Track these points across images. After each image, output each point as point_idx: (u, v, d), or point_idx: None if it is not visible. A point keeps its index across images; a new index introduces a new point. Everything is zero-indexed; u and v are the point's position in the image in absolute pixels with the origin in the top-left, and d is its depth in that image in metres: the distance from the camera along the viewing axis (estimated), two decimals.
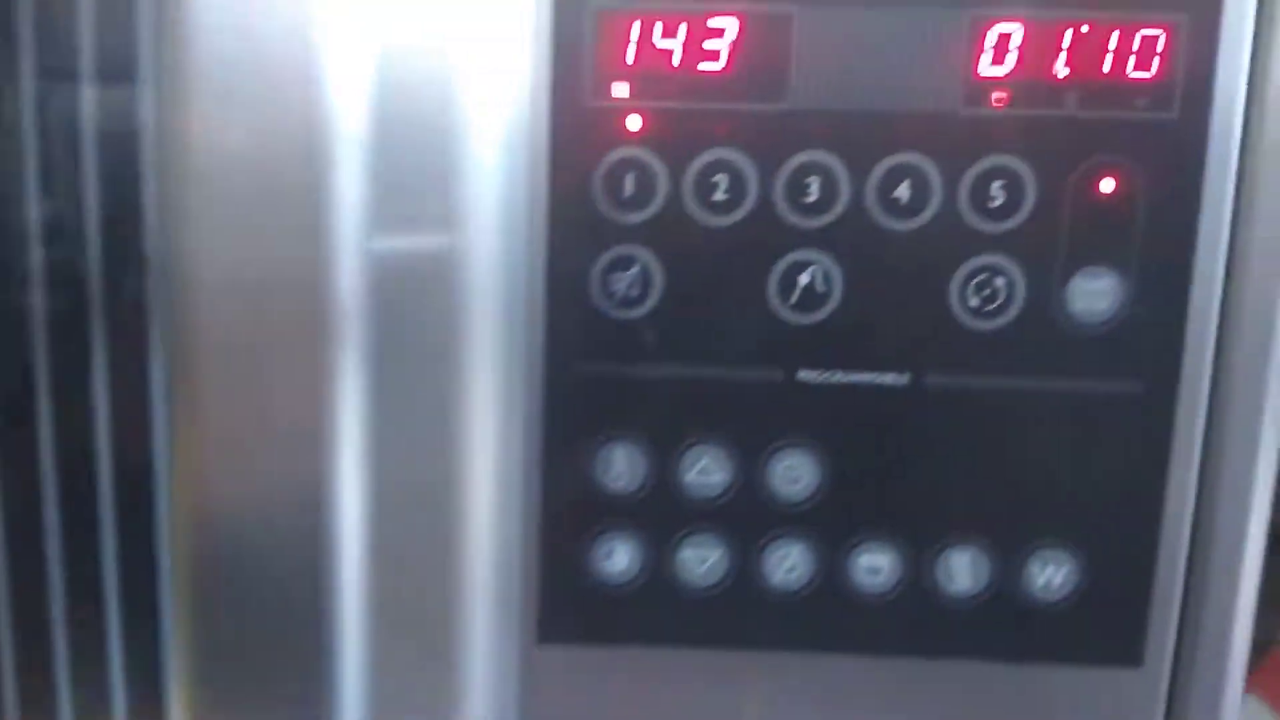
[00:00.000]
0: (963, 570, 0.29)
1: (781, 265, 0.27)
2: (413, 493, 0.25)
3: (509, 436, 0.26)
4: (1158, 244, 0.27)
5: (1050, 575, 0.29)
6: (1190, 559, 0.28)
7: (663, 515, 0.28)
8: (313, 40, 0.22)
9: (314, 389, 0.20)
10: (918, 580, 0.29)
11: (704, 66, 0.26)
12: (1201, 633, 0.29)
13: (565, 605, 0.29)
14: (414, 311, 0.23)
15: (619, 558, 0.29)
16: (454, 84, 0.24)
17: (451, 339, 0.24)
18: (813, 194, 0.27)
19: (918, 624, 0.29)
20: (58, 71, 0.30)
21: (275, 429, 0.22)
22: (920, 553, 0.29)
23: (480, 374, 0.25)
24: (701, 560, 0.29)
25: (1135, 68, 0.26)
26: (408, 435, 0.24)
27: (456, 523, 0.26)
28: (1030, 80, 0.26)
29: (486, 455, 0.25)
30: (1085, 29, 0.26)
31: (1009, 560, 0.29)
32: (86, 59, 0.30)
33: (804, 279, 0.27)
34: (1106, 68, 0.26)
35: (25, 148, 0.29)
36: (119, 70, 0.31)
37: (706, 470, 0.28)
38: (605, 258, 0.27)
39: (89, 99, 0.30)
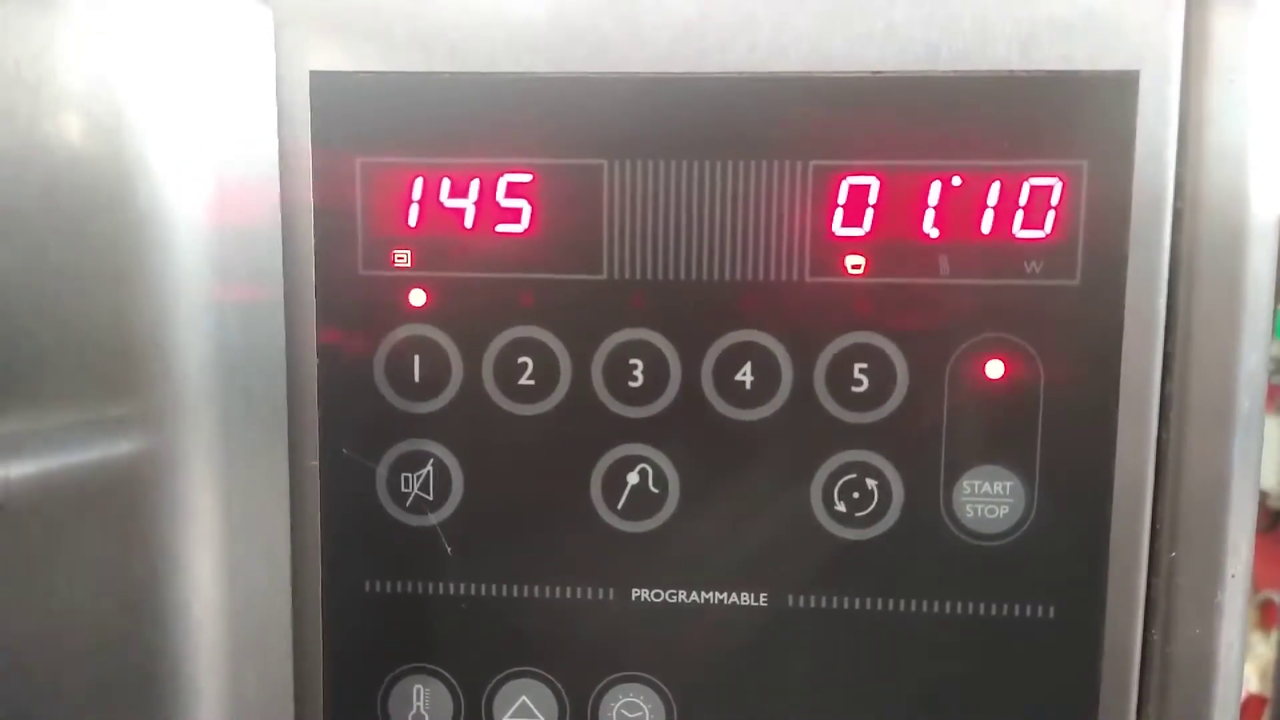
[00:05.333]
0: None
1: (605, 462, 0.22)
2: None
3: (247, 668, 0.21)
4: (1066, 440, 0.21)
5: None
6: None
7: None
8: None
9: None
10: None
11: (502, 229, 0.22)
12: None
13: None
14: (104, 527, 0.19)
15: None
16: (173, 249, 0.20)
17: (168, 543, 0.19)
18: (637, 379, 0.22)
19: None
20: None
21: None
22: None
23: (204, 600, 0.20)
24: None
25: (1024, 225, 0.21)
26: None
27: None
28: (894, 242, 0.21)
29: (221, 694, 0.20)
30: (957, 180, 0.21)
31: None
32: None
33: (633, 479, 0.22)
34: (986, 227, 0.21)
35: None
36: None
37: (526, 711, 0.23)
38: (391, 455, 0.23)
39: None
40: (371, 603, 0.23)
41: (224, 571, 0.20)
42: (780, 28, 0.21)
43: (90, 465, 0.18)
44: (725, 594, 0.23)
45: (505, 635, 0.23)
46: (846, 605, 0.22)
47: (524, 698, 0.23)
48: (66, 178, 0.17)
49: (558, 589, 0.23)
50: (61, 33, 0.18)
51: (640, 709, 0.23)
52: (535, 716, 0.23)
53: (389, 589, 0.23)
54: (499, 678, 0.23)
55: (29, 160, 0.16)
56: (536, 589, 0.23)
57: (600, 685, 0.23)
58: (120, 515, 0.19)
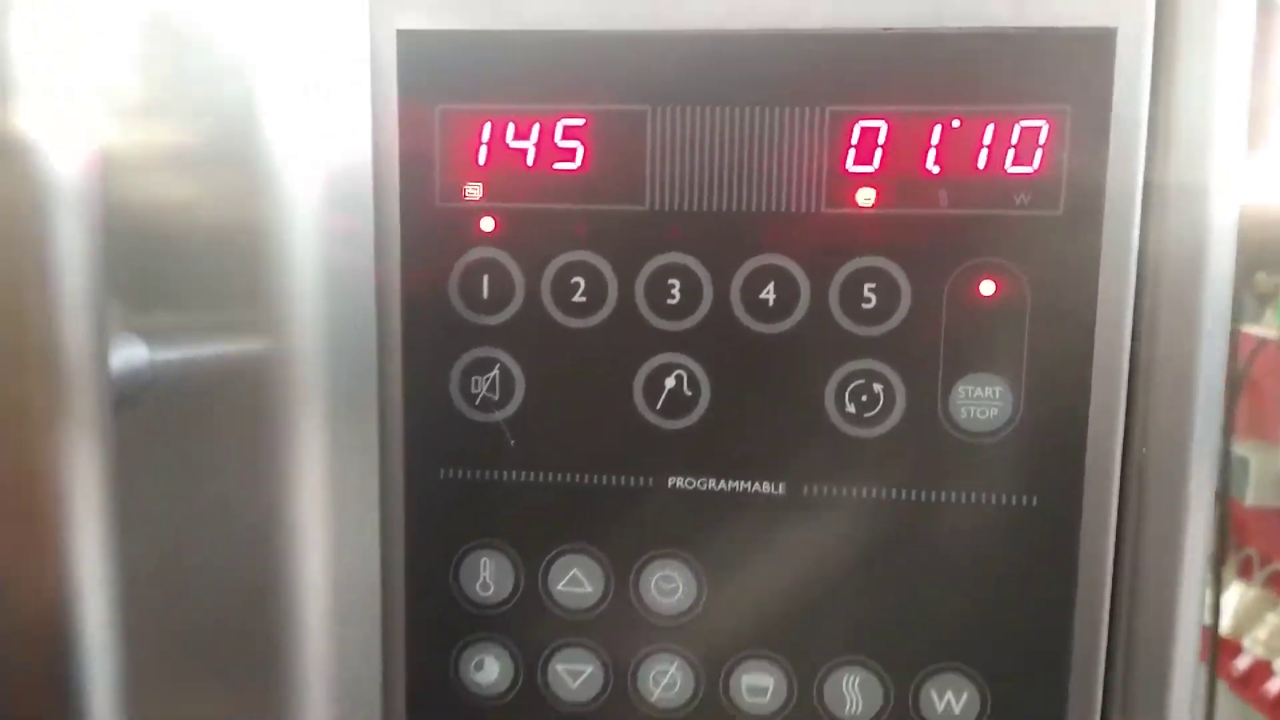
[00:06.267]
0: (853, 694, 0.27)
1: (646, 369, 0.26)
2: (231, 583, 0.24)
3: (350, 547, 0.25)
4: (1048, 350, 0.25)
5: (949, 701, 0.26)
6: (1109, 684, 0.26)
7: (533, 627, 0.27)
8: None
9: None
10: (804, 702, 0.27)
11: (560, 166, 0.25)
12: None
13: (433, 717, 0.28)
14: (233, 413, 0.23)
15: (489, 670, 0.28)
16: (273, 173, 0.23)
17: (279, 437, 0.23)
18: (675, 297, 0.25)
19: None
20: None
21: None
22: (807, 673, 0.27)
23: (309, 483, 0.24)
24: (575, 675, 0.27)
25: (1014, 162, 0.24)
26: (229, 528, 0.24)
27: (289, 620, 0.25)
28: (899, 177, 0.24)
29: (319, 571, 0.25)
30: (956, 123, 0.24)
31: (904, 684, 0.26)
32: None
33: (670, 383, 0.26)
34: (982, 163, 0.24)
35: None
36: None
37: (577, 581, 0.27)
38: (463, 360, 0.26)
39: None
40: (446, 488, 0.27)
41: (323, 455, 0.24)
42: None
43: (222, 357, 0.22)
44: (749, 483, 0.26)
45: (559, 516, 0.27)
46: (854, 495, 0.26)
47: (575, 570, 0.27)
48: (217, 120, 0.21)
49: (604, 477, 0.27)
50: None
51: (675, 581, 0.27)
52: (584, 586, 0.27)
53: (460, 476, 0.27)
54: (553, 553, 0.27)
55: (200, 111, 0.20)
56: (586, 477, 0.27)
57: (640, 561, 0.27)
58: (244, 403, 0.23)
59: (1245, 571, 1.23)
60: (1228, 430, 1.16)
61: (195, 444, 0.23)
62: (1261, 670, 1.17)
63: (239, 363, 0.22)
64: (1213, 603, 1.20)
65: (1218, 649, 1.15)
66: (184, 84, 0.22)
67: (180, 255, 0.22)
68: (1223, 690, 1.19)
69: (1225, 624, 1.21)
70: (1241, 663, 1.20)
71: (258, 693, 0.25)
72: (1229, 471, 1.12)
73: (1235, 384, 1.04)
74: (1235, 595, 1.23)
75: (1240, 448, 1.17)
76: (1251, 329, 1.11)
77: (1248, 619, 1.20)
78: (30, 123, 0.16)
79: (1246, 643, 1.20)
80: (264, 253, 0.22)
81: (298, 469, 0.24)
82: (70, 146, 0.17)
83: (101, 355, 0.17)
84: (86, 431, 0.18)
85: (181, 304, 0.22)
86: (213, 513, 0.24)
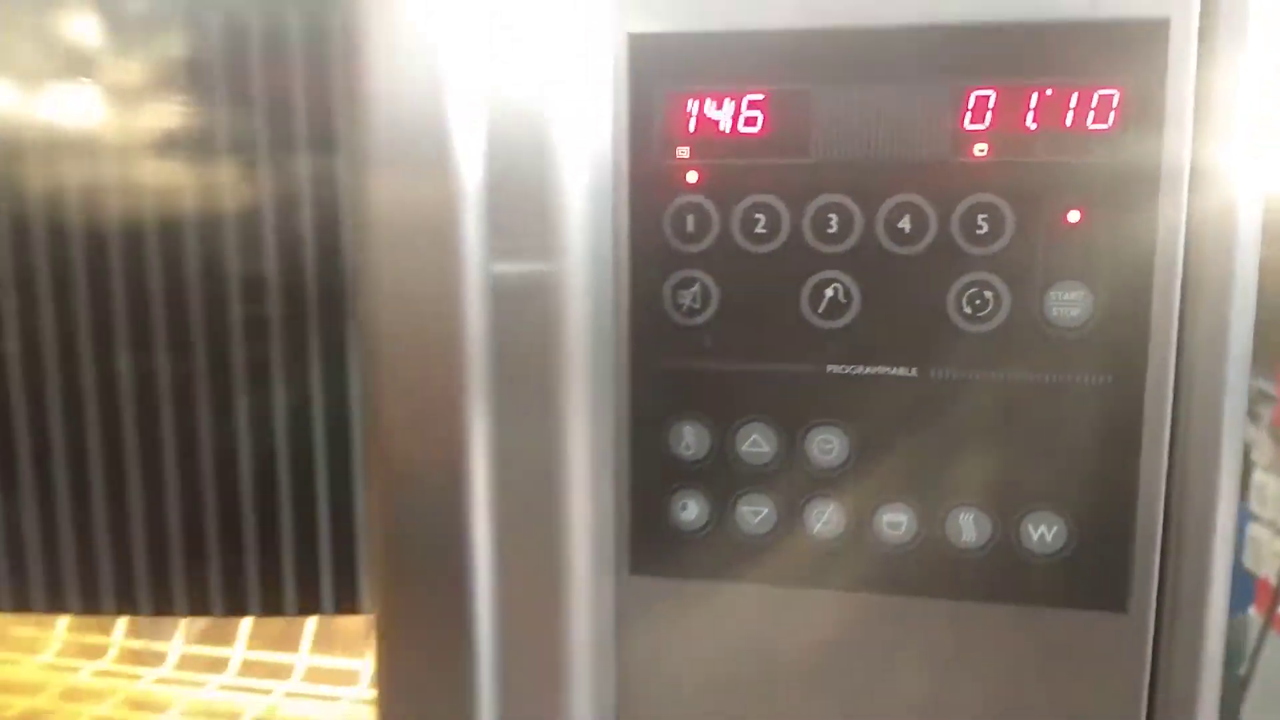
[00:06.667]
0: (968, 527, 0.35)
1: (810, 283, 0.35)
2: (528, 466, 0.34)
3: (600, 418, 0.35)
4: (1120, 263, 0.33)
5: (1043, 533, 0.35)
6: (1167, 519, 0.34)
7: (723, 478, 0.37)
8: (444, 107, 0.31)
9: (452, 385, 0.29)
10: (931, 534, 0.36)
11: (745, 131, 0.34)
12: (1181, 584, 0.34)
13: (651, 545, 0.37)
14: (522, 323, 0.32)
15: (691, 510, 0.37)
16: (553, 145, 0.33)
17: (552, 345, 0.33)
18: (833, 227, 0.34)
19: (932, 570, 0.36)
20: (285, 141, 0.41)
21: (429, 409, 0.32)
22: (933, 512, 0.35)
23: (576, 370, 0.33)
24: (755, 514, 0.37)
25: (1093, 122, 0.32)
26: (522, 420, 0.33)
27: (563, 486, 0.35)
28: (1005, 133, 0.33)
29: (583, 433, 0.34)
30: (1049, 91, 0.32)
31: (1007, 520, 0.35)
32: (300, 130, 0.41)
33: (829, 293, 0.35)
34: (1069, 122, 0.32)
35: (264, 202, 0.40)
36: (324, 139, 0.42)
37: (757, 443, 0.36)
38: (673, 279, 0.36)
39: (304, 164, 0.41)
40: (660, 374, 0.36)
41: (584, 351, 0.34)
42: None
43: (526, 273, 0.32)
44: (889, 368, 0.35)
45: (744, 395, 0.36)
46: (970, 377, 0.34)
47: (755, 435, 0.36)
48: (511, 112, 0.31)
49: (778, 365, 0.36)
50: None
51: (831, 443, 0.36)
52: (762, 447, 0.36)
53: (671, 365, 0.36)
54: (739, 422, 0.36)
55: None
56: (764, 365, 0.36)
57: (805, 428, 0.36)
58: (539, 317, 0.33)
59: None
60: None
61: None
62: None
63: (530, 280, 0.32)
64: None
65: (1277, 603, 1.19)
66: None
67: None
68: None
69: None
70: None
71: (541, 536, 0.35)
72: None
73: None
74: None
75: None
76: None
77: None
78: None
79: None
80: (550, 200, 0.32)
81: (569, 362, 0.33)
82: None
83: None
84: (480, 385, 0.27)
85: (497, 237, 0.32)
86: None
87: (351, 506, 0.35)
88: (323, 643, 0.75)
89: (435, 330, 0.28)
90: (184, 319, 0.38)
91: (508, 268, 0.31)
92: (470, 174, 0.31)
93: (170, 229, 0.39)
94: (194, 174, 0.39)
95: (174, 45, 0.39)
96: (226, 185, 0.39)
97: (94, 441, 0.39)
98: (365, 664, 0.73)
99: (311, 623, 0.76)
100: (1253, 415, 1.54)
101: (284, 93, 0.41)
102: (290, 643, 0.75)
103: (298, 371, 0.35)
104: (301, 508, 0.34)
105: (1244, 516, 1.60)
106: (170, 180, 0.39)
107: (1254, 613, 1.56)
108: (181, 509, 0.36)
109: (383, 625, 0.32)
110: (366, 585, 0.34)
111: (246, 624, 0.79)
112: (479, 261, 0.27)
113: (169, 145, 0.40)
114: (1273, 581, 1.35)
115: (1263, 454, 1.50)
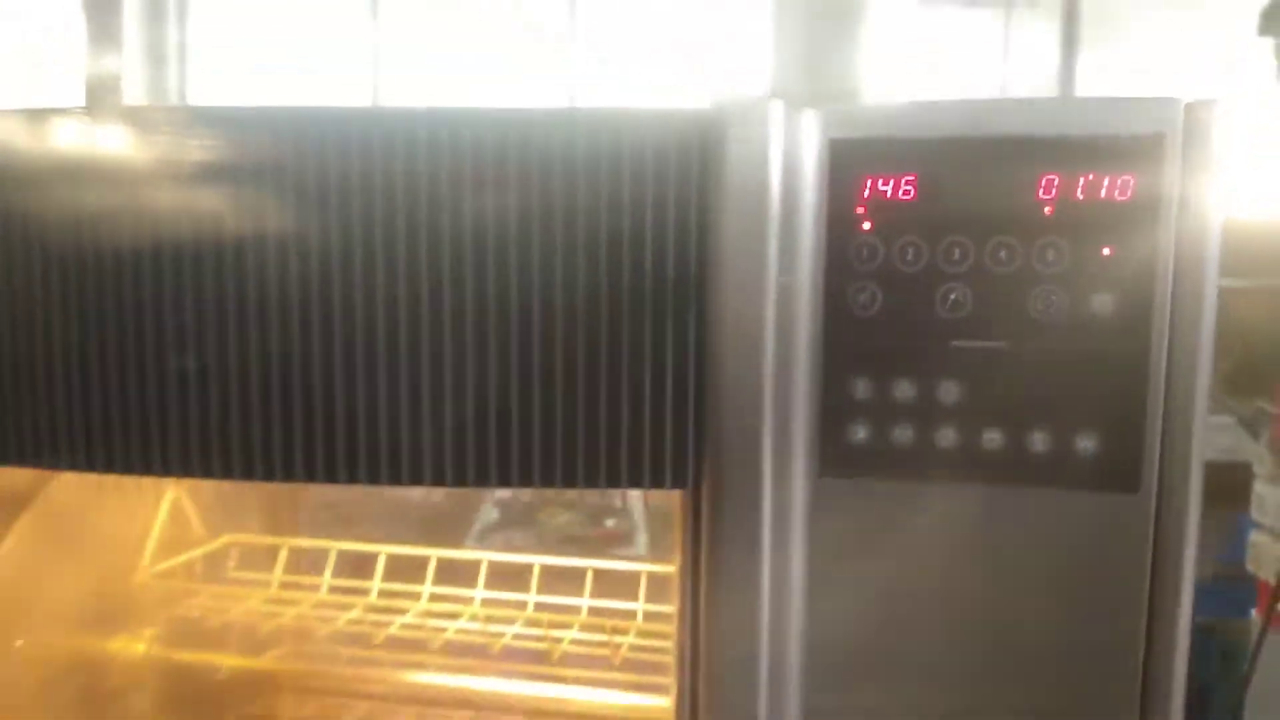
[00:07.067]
0: (1039, 441, 0.57)
1: (940, 290, 0.57)
2: (776, 403, 0.56)
3: (812, 374, 0.57)
4: (1135, 280, 0.54)
5: (1086, 444, 0.56)
6: (1164, 433, 0.55)
7: (882, 412, 0.58)
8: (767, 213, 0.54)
9: (757, 342, 0.52)
10: (1014, 446, 0.57)
11: (902, 197, 0.56)
12: (1173, 474, 0.55)
13: (834, 456, 0.59)
14: (782, 312, 0.55)
15: (860, 434, 0.59)
16: (795, 206, 0.55)
17: (790, 326, 0.55)
18: (956, 256, 0.56)
19: (1016, 469, 0.57)
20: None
21: (746, 351, 0.54)
22: (1016, 432, 0.57)
23: (801, 342, 0.55)
24: (902, 435, 0.58)
25: (1118, 195, 0.54)
26: (775, 370, 0.56)
27: (794, 417, 0.57)
28: (1064, 200, 0.54)
29: (802, 383, 0.56)
30: (1091, 176, 0.54)
31: (1063, 436, 0.56)
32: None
33: (952, 297, 0.57)
34: (1103, 193, 0.54)
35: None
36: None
37: (904, 390, 0.58)
38: (853, 287, 0.58)
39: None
40: (844, 347, 0.58)
41: None
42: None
43: (784, 282, 0.54)
44: (988, 342, 0.57)
45: (897, 361, 0.58)
46: (1039, 349, 0.56)
47: (904, 385, 0.58)
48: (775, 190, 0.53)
49: (919, 343, 0.57)
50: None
51: (952, 390, 0.57)
52: (908, 393, 0.58)
53: (851, 341, 0.58)
54: (893, 377, 0.58)
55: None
56: (912, 342, 0.57)
57: (935, 381, 0.58)
58: (786, 308, 0.55)
59: None
60: None
61: None
62: None
63: (783, 286, 0.54)
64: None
65: (1276, 600, 1.37)
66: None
67: None
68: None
69: None
70: None
71: None
72: None
73: None
74: None
75: None
76: None
77: None
78: None
79: None
80: (793, 241, 0.54)
81: (799, 337, 0.55)
82: None
83: None
84: (770, 345, 0.50)
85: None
86: None
87: (676, 405, 0.57)
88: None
89: (752, 311, 0.50)
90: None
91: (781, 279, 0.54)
92: (772, 227, 0.53)
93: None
94: None
95: None
96: None
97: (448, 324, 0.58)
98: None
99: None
100: (1254, 433, 1.73)
101: None
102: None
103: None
104: (635, 397, 0.56)
105: (1246, 524, 1.79)
106: None
107: (1255, 615, 1.75)
108: (519, 382, 0.56)
109: (694, 501, 0.54)
110: (681, 469, 0.56)
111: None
112: (774, 274, 0.49)
113: None
114: (1272, 584, 1.53)
115: (1264, 467, 1.69)
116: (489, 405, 0.57)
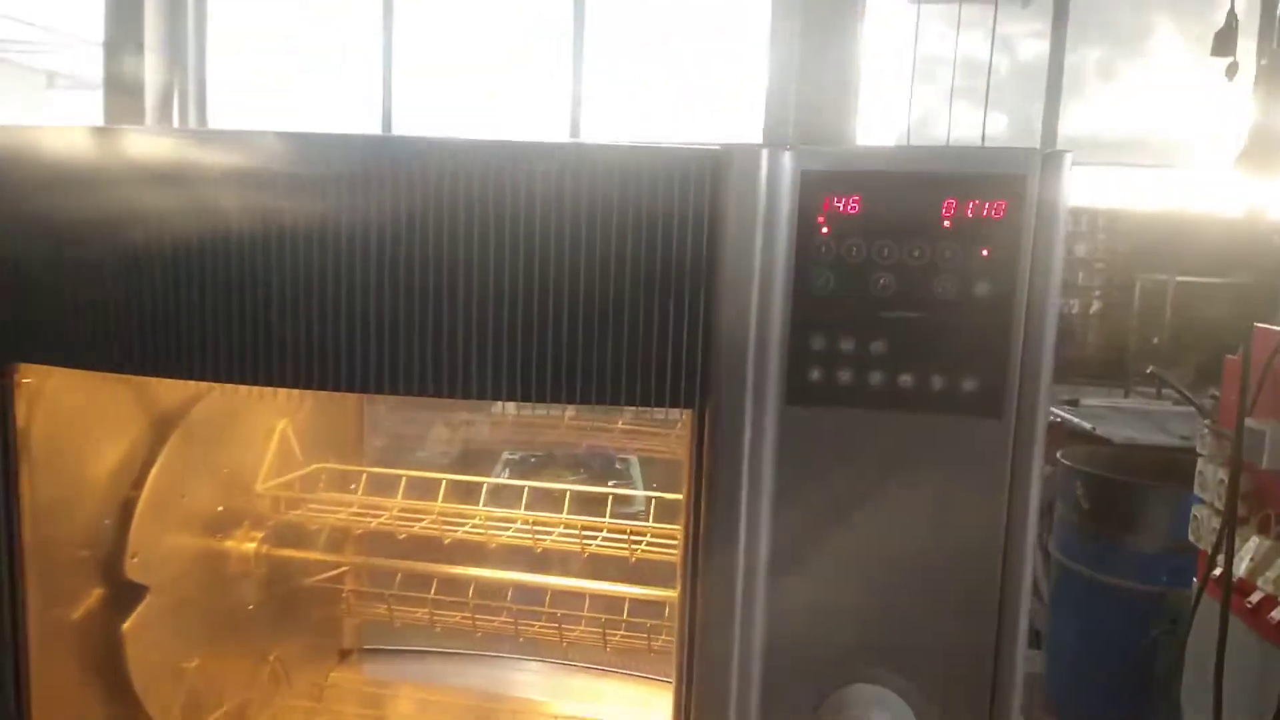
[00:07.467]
0: (939, 382, 0.82)
1: (873, 276, 0.82)
2: (756, 348, 0.82)
3: (783, 333, 0.83)
4: (1003, 269, 0.80)
5: (970, 383, 0.82)
6: (1021, 372, 0.81)
7: (832, 359, 0.84)
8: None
9: (749, 303, 0.78)
10: (922, 384, 0.82)
11: (849, 211, 0.82)
12: (1024, 403, 0.81)
13: (797, 389, 0.84)
14: (767, 287, 0.80)
15: (816, 374, 0.84)
16: (773, 218, 0.81)
17: (769, 294, 0.81)
18: (884, 254, 0.82)
19: (923, 400, 0.83)
20: None
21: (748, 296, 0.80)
22: (923, 374, 0.82)
23: (776, 308, 0.81)
24: (845, 376, 0.84)
25: (995, 215, 0.79)
26: (757, 325, 0.81)
27: (768, 358, 0.83)
28: (960, 217, 0.80)
29: (775, 338, 0.82)
30: (976, 201, 0.79)
31: (954, 377, 0.82)
32: None
33: (881, 281, 0.82)
34: (985, 214, 0.79)
35: None
36: None
37: (848, 345, 0.83)
38: (813, 273, 0.83)
39: None
40: (805, 314, 0.84)
41: None
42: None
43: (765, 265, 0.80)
44: (907, 313, 0.82)
45: (843, 323, 0.84)
46: (936, 316, 0.82)
47: (847, 341, 0.84)
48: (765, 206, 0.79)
49: (857, 310, 0.83)
50: None
51: (881, 347, 0.83)
52: (850, 346, 0.84)
53: (810, 310, 0.84)
54: (839, 334, 0.84)
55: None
56: (852, 310, 0.83)
57: (868, 338, 0.83)
58: (767, 279, 0.81)
59: (1264, 527, 1.63)
60: (1244, 412, 1.62)
61: None
62: (1269, 603, 1.57)
63: (762, 267, 0.80)
64: (1227, 550, 1.66)
65: (1230, 590, 1.60)
66: None
67: None
68: (1236, 624, 1.62)
69: (1242, 569, 1.65)
70: (1254, 598, 1.59)
71: None
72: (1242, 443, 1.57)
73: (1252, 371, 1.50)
74: (1254, 545, 1.64)
75: (1261, 424, 1.59)
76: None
77: (1263, 564, 1.60)
78: None
79: (1260, 583, 1.58)
80: (770, 235, 0.80)
81: (775, 302, 0.81)
82: None
83: None
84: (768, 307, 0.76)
85: None
86: None
87: (689, 353, 0.82)
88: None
89: (742, 289, 0.77)
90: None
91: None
92: (759, 230, 0.79)
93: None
94: None
95: None
96: None
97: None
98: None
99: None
100: (1210, 418, 1.96)
101: None
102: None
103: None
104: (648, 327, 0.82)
105: (1190, 499, 2.02)
106: None
107: (1196, 582, 1.99)
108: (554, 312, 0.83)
109: (699, 422, 0.80)
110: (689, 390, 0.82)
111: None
112: (759, 263, 0.75)
113: None
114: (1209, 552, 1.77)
115: (1205, 446, 1.93)
116: (559, 339, 0.82)
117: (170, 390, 1.13)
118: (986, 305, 0.81)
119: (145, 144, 0.90)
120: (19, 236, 0.89)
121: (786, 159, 0.81)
